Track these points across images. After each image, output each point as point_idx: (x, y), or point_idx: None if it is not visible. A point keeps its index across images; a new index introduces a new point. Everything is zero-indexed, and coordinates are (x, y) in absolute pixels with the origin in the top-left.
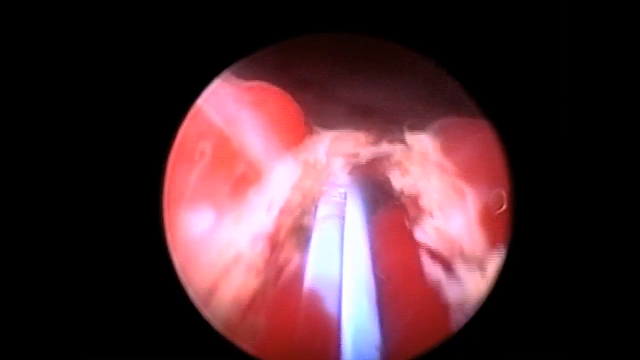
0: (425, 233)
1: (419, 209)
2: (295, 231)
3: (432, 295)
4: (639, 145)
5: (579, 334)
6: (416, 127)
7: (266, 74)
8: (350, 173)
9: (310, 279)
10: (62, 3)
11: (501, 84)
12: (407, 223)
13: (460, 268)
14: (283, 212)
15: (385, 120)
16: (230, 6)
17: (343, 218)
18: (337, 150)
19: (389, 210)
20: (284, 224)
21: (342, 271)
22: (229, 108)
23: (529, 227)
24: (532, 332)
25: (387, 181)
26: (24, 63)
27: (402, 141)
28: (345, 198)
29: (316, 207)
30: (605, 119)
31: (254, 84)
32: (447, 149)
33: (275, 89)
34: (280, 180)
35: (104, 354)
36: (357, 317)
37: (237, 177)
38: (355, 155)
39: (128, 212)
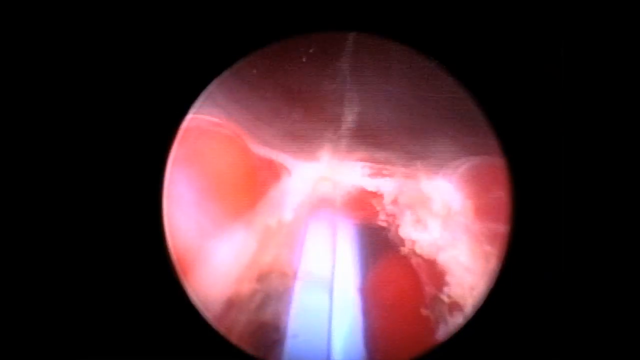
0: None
1: (439, 281)
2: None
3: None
4: (638, 145)
5: (579, 334)
6: (434, 168)
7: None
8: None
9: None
10: (62, 3)
11: (502, 84)
12: (419, 290)
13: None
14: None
15: (392, 150)
16: (223, 8)
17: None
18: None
19: (389, 267)
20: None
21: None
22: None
23: (529, 227)
24: (532, 332)
25: (389, 229)
26: (24, 63)
27: (414, 179)
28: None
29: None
30: (606, 118)
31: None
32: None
33: (224, 134)
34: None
35: (104, 354)
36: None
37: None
38: (346, 190)
39: (128, 211)
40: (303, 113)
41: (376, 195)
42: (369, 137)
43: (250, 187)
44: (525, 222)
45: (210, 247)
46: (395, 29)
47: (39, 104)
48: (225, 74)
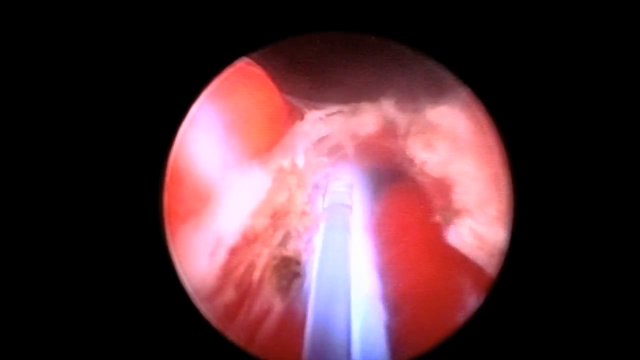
0: (459, 235)
1: (448, 200)
2: (276, 269)
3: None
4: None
5: (578, 334)
6: (436, 99)
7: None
8: (352, 152)
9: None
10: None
11: (502, 84)
12: (430, 214)
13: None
14: (248, 246)
15: (395, 94)
16: (226, 6)
17: (350, 207)
18: (331, 128)
19: (399, 191)
20: (255, 261)
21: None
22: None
23: (529, 228)
24: (532, 332)
25: (399, 154)
26: (24, 63)
27: (421, 112)
28: (351, 188)
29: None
30: (605, 119)
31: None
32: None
33: (257, 74)
34: (238, 202)
35: (104, 354)
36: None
37: (188, 208)
38: (356, 131)
39: (127, 211)
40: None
41: (387, 129)
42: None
43: (270, 128)
44: (525, 222)
45: (229, 181)
46: (395, 29)
47: (39, 104)
48: None
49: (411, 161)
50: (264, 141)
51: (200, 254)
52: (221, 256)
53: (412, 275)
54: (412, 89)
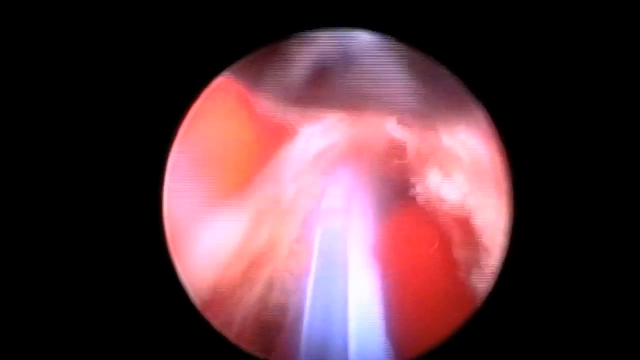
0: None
1: (469, 234)
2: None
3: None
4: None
5: (579, 334)
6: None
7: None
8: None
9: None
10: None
11: (502, 84)
12: (450, 251)
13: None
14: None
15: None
16: (226, 6)
17: (347, 211)
18: (330, 140)
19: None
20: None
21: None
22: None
23: (529, 228)
24: (532, 332)
25: (408, 173)
26: (24, 63)
27: (434, 132)
28: (348, 190)
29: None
30: (606, 119)
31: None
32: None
33: (236, 91)
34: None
35: (103, 355)
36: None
37: None
38: (358, 145)
39: (128, 207)
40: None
41: (396, 147)
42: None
43: (251, 157)
44: (525, 222)
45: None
46: (395, 29)
47: (39, 103)
48: None
49: (422, 182)
50: (242, 174)
51: None
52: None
53: (412, 276)
54: (425, 103)
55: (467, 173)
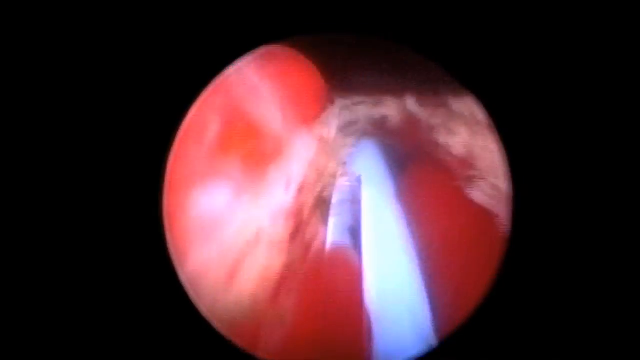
0: (483, 192)
1: (472, 169)
2: (319, 206)
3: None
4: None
5: (578, 334)
6: (458, 91)
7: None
8: (373, 136)
9: (332, 257)
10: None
11: (502, 84)
12: (457, 183)
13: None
14: (302, 189)
15: (418, 83)
16: (220, 9)
17: (359, 202)
18: (357, 115)
19: (426, 171)
20: (305, 201)
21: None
22: (250, 79)
23: (530, 228)
24: (533, 332)
25: (423, 142)
26: (24, 63)
27: (443, 105)
28: (359, 181)
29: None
30: (605, 119)
31: (277, 49)
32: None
33: (299, 57)
34: (298, 156)
35: (103, 355)
36: (398, 295)
37: (252, 154)
38: (381, 119)
39: (129, 199)
40: None
41: (410, 120)
42: None
43: (313, 105)
44: (526, 223)
45: (288, 140)
46: (395, 29)
47: (39, 102)
48: None
49: (435, 144)
50: (309, 114)
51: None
52: (292, 190)
53: (442, 234)
54: (433, 85)
55: (467, 125)
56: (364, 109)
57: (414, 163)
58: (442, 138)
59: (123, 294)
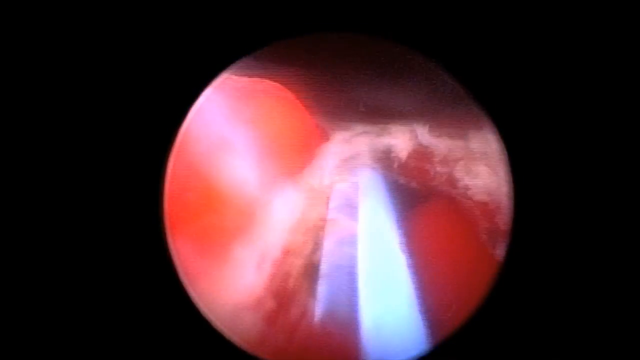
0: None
1: (495, 219)
2: (306, 276)
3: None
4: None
5: (579, 334)
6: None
7: (272, 67)
8: (376, 171)
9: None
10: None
11: (502, 84)
12: (480, 235)
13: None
14: (282, 262)
15: (429, 118)
16: (232, 5)
17: (356, 207)
18: (357, 148)
19: (439, 216)
20: (287, 274)
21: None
22: (218, 129)
23: (529, 229)
24: (533, 332)
25: (436, 181)
26: (24, 63)
27: (461, 138)
28: (357, 185)
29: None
30: (605, 119)
31: (256, 82)
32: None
33: (280, 91)
34: (277, 220)
35: (103, 354)
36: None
37: (210, 231)
38: (387, 152)
39: (128, 213)
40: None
41: (421, 152)
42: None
43: (301, 150)
44: (526, 223)
45: (268, 200)
46: (395, 29)
47: (39, 103)
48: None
49: (452, 184)
50: (296, 163)
51: (247, 268)
52: (266, 269)
53: (438, 265)
54: (449, 113)
55: (489, 165)
56: (366, 140)
57: (424, 204)
58: (460, 178)
59: (123, 296)
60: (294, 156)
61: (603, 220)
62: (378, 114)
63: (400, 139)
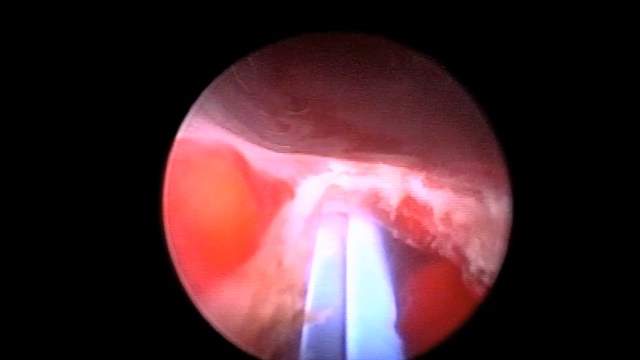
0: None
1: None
2: None
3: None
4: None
5: (579, 334)
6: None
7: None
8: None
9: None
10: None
11: (502, 85)
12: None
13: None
14: None
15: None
16: (223, 8)
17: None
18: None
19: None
20: None
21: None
22: None
23: (529, 230)
24: (533, 333)
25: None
26: (24, 63)
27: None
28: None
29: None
30: (606, 119)
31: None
32: None
33: (230, 156)
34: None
35: (103, 354)
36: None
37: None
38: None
39: (127, 215)
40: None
41: (422, 209)
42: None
43: (250, 228)
44: (526, 223)
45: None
46: (395, 29)
47: (39, 104)
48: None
49: (456, 251)
50: (243, 247)
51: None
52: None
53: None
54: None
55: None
56: (346, 183)
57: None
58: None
59: (124, 297)
60: (240, 239)
61: (603, 220)
62: (361, 145)
63: (390, 182)
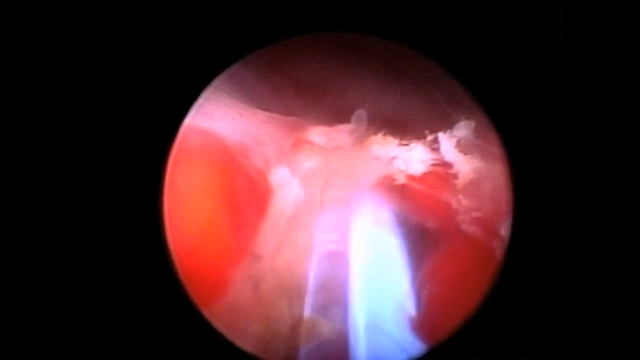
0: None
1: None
2: None
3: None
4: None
5: (579, 334)
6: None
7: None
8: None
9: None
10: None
11: (502, 85)
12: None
13: None
14: None
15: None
16: (223, 8)
17: (348, 201)
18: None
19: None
20: None
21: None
22: None
23: (529, 230)
24: (533, 332)
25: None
26: (25, 62)
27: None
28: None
29: None
30: (605, 119)
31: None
32: None
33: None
34: None
35: (103, 354)
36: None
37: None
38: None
39: (128, 212)
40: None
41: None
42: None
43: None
44: (526, 223)
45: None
46: (395, 29)
47: (39, 105)
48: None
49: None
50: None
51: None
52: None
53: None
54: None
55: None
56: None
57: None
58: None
59: (124, 295)
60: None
61: (603, 221)
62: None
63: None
